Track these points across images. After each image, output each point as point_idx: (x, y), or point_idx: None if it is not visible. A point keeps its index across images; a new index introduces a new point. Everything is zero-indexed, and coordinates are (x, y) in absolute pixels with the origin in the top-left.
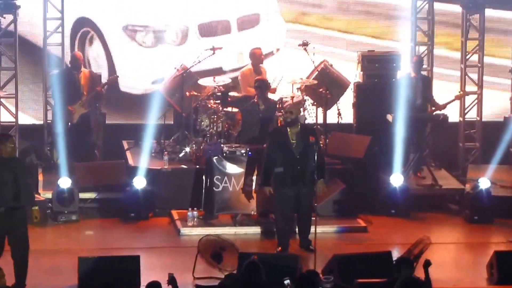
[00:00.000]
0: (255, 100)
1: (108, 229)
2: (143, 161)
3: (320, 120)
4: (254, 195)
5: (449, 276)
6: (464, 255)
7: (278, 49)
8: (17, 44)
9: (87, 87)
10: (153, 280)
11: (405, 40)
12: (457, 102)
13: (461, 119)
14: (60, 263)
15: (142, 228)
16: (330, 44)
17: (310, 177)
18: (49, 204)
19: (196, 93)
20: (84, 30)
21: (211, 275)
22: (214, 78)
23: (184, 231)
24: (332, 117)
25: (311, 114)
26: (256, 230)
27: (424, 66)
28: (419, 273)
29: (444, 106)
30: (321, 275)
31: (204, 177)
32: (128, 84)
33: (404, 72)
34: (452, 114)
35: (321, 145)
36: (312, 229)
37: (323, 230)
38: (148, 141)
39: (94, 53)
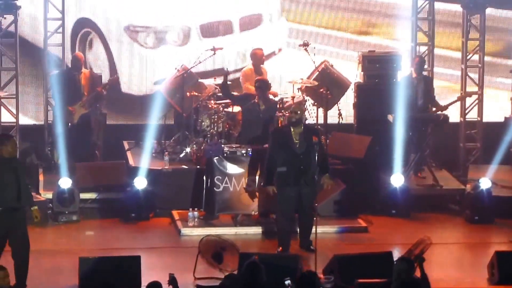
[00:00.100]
0: (256, 101)
1: (108, 230)
2: (143, 162)
3: (321, 121)
4: (257, 194)
5: (449, 276)
6: (464, 255)
7: (280, 50)
8: (17, 44)
9: (88, 87)
10: (153, 280)
11: (406, 40)
12: (458, 102)
13: (462, 119)
14: (61, 263)
15: (143, 229)
16: (331, 44)
17: (312, 177)
18: (50, 205)
19: (196, 94)
20: (85, 31)
21: (211, 276)
22: (215, 78)
23: (185, 231)
24: (332, 118)
25: (312, 115)
26: (256, 230)
27: (425, 66)
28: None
29: (446, 107)
30: (321, 275)
31: (204, 178)
32: (130, 85)
33: (405, 73)
34: (453, 114)
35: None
36: (313, 229)
37: (323, 230)
38: (149, 142)
39: (95, 54)
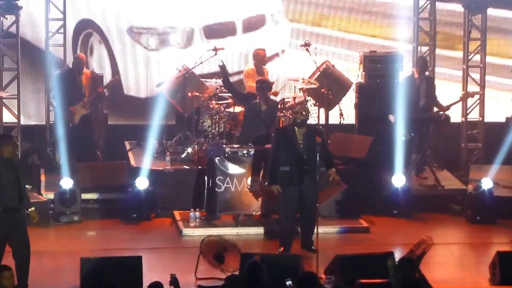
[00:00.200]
0: (257, 101)
1: (110, 230)
2: (145, 162)
3: (322, 121)
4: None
5: (451, 276)
6: (466, 256)
7: (283, 51)
8: (19, 45)
9: (89, 87)
10: (155, 280)
11: (407, 40)
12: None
13: (463, 119)
14: (62, 263)
15: (144, 229)
16: (332, 44)
17: (315, 177)
18: (51, 205)
19: (198, 94)
20: (87, 32)
21: (213, 276)
22: (216, 78)
23: (186, 231)
24: (334, 118)
25: (313, 115)
26: (258, 230)
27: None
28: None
29: (448, 108)
30: (323, 276)
31: (206, 178)
32: (132, 87)
33: (407, 73)
34: (454, 115)
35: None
36: (314, 229)
37: (325, 231)
38: (150, 142)
39: (97, 55)
